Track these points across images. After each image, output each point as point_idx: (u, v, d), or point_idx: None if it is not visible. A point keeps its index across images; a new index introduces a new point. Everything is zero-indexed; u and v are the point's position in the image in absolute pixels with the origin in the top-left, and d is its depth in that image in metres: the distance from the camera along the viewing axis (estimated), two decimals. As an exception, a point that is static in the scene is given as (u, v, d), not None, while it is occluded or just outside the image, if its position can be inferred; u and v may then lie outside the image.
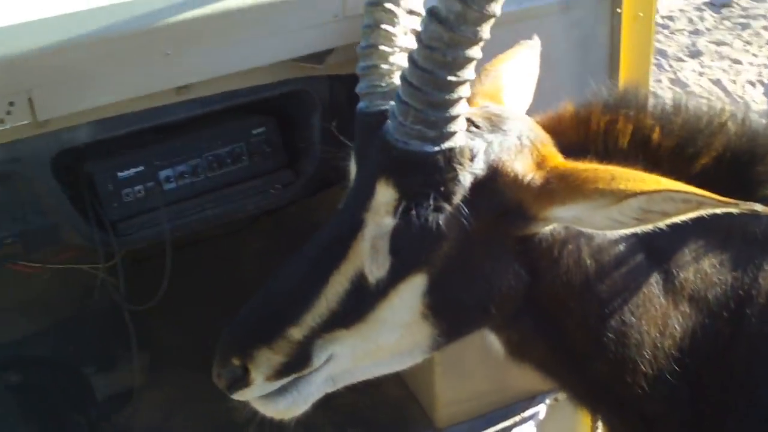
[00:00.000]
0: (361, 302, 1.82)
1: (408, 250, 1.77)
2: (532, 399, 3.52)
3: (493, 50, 2.66)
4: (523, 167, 1.78)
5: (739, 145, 1.93)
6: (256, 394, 1.91)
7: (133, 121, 2.99)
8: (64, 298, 3.79)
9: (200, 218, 3.15)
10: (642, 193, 1.62)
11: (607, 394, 2.06)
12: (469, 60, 1.64)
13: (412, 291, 1.81)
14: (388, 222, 1.78)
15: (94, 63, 2.67)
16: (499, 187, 1.77)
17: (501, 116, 1.84)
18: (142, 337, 3.90)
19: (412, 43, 1.77)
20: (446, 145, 1.70)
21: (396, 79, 1.84)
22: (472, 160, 1.74)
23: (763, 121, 1.99)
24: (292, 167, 3.29)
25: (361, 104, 1.88)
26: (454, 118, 1.69)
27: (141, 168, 3.08)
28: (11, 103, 2.63)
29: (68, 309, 3.82)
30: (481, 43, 1.65)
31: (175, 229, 3.11)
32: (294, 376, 1.89)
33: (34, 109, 2.66)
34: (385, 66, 1.86)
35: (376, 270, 1.80)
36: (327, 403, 3.65)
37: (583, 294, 1.90)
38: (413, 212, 1.73)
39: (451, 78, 1.63)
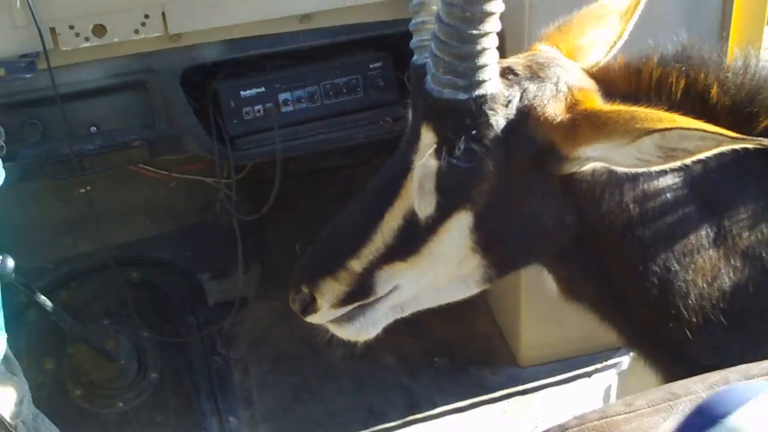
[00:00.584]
0: (414, 237, 1.94)
1: (450, 189, 1.88)
2: (616, 350, 3.61)
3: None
4: (555, 110, 1.85)
5: None
6: (325, 319, 2.08)
7: (259, 45, 3.22)
8: (188, 207, 4.05)
9: (312, 141, 3.35)
10: (655, 130, 1.67)
11: (655, 339, 2.11)
12: (489, 14, 1.71)
13: (459, 227, 1.91)
14: (432, 163, 1.87)
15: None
16: (531, 129, 1.85)
17: (543, 64, 1.91)
18: (257, 251, 4.18)
19: None
20: (477, 92, 1.79)
21: None
22: (506, 105, 1.83)
23: None
24: (403, 103, 3.45)
25: (414, 58, 1.98)
26: (481, 67, 1.77)
27: (262, 89, 3.29)
28: (146, 16, 2.90)
29: (191, 217, 4.08)
30: None
31: (287, 149, 3.32)
32: (357, 304, 2.04)
33: (166, 22, 2.92)
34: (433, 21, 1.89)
35: (425, 207, 1.90)
36: (419, 332, 3.86)
37: (626, 237, 1.95)
38: (453, 154, 1.83)
39: (472, 31, 1.71)
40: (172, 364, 3.80)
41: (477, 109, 1.80)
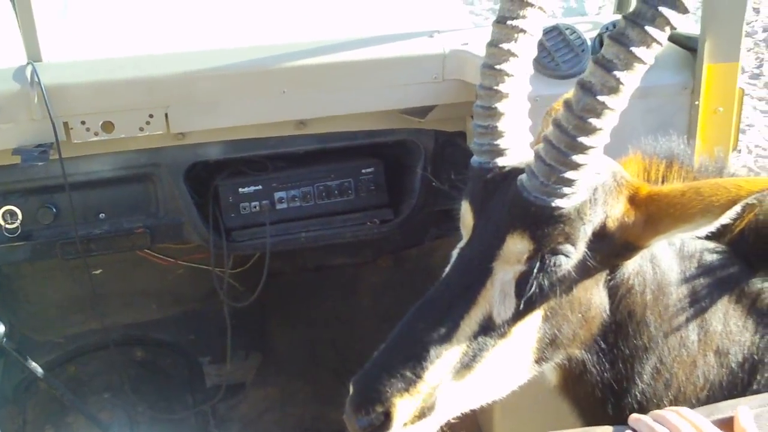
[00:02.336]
0: (486, 343, 1.90)
1: (537, 294, 1.89)
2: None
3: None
4: (626, 208, 1.93)
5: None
6: None
7: (258, 146, 3.51)
8: (193, 293, 4.31)
9: (303, 238, 3.61)
10: (750, 194, 1.78)
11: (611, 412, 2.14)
12: (608, 127, 1.77)
13: (530, 326, 1.93)
14: (518, 269, 1.89)
15: (221, 92, 3.22)
16: (610, 229, 1.91)
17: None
18: (257, 339, 4.41)
19: (524, 101, 1.97)
20: (577, 200, 1.84)
21: (509, 138, 1.96)
22: (591, 208, 1.88)
23: None
24: (392, 206, 3.70)
25: (477, 159, 1.98)
26: (585, 177, 1.83)
27: (260, 187, 3.58)
28: (151, 115, 3.19)
29: (195, 303, 4.34)
30: (620, 112, 1.78)
31: (279, 243, 3.57)
32: (426, 419, 1.89)
33: (168, 122, 3.21)
34: (502, 126, 1.95)
35: (504, 313, 1.89)
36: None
37: (639, 325, 2.03)
38: (546, 260, 1.86)
39: (590, 143, 1.77)
40: (165, 439, 4.02)
41: (575, 217, 1.85)
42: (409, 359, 1.86)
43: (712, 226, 1.84)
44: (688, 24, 3.38)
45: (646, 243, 1.92)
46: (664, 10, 1.68)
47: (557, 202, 1.82)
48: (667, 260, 2.05)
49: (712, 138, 3.17)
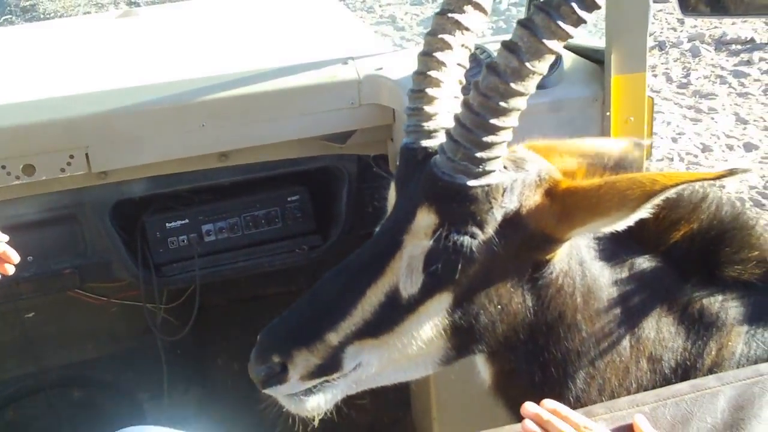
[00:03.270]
0: (392, 315, 1.96)
1: (441, 270, 1.94)
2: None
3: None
4: (543, 200, 1.99)
5: (712, 226, 2.13)
6: (288, 391, 2.01)
7: (182, 181, 3.54)
8: (129, 330, 4.30)
9: (232, 268, 3.65)
10: (664, 188, 1.81)
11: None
12: (516, 110, 1.84)
13: (439, 308, 1.98)
14: (425, 244, 1.94)
15: (140, 128, 3.25)
16: (524, 218, 1.96)
17: (523, 158, 2.04)
18: (197, 373, 4.41)
19: (456, 91, 2.05)
20: (486, 181, 1.90)
21: (438, 121, 2.04)
22: (503, 194, 1.94)
23: (737, 207, 2.18)
24: (319, 232, 3.74)
25: (406, 140, 2.06)
26: (495, 158, 1.89)
27: (186, 221, 3.61)
28: (71, 156, 3.21)
29: (132, 340, 4.33)
30: (527, 96, 1.85)
31: (208, 275, 3.60)
32: (324, 378, 2.00)
33: (89, 162, 3.23)
34: (430, 108, 2.03)
35: (410, 287, 1.95)
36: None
37: (570, 328, 2.07)
38: (451, 237, 1.91)
39: (498, 123, 1.83)
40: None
41: (483, 197, 1.91)
42: (312, 318, 1.97)
43: (629, 220, 1.88)
44: (593, 38, 3.47)
45: (565, 236, 1.98)
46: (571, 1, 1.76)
47: (463, 180, 1.89)
48: (597, 265, 2.10)
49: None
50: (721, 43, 10.33)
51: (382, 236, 2.02)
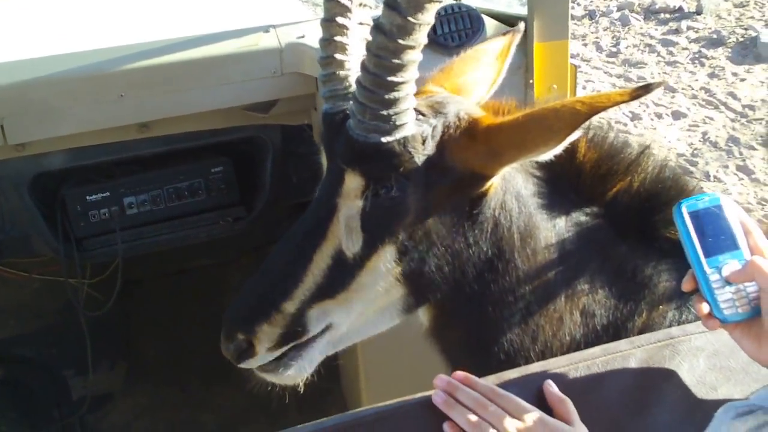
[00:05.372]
0: (343, 274, 2.03)
1: (376, 226, 2.00)
2: None
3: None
4: (465, 141, 2.01)
5: (652, 187, 2.15)
6: (261, 362, 2.09)
7: (102, 153, 3.46)
8: (52, 306, 4.24)
9: (155, 242, 3.59)
10: (588, 115, 1.82)
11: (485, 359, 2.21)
12: (411, 62, 1.85)
13: (385, 260, 2.02)
14: (358, 204, 2.00)
15: (56, 99, 3.15)
16: (448, 161, 1.99)
17: (441, 102, 2.08)
18: (124, 348, 4.36)
19: (363, 50, 1.99)
20: (399, 134, 1.92)
21: (352, 83, 2.06)
22: (423, 143, 1.96)
23: (678, 172, 2.21)
24: (244, 204, 3.70)
25: (325, 106, 2.09)
26: (403, 111, 1.91)
27: (107, 194, 3.54)
28: None
29: (55, 316, 4.26)
30: (420, 47, 1.85)
31: (131, 249, 3.54)
32: (292, 344, 2.08)
33: (5, 134, 3.14)
34: (342, 72, 2.05)
35: (352, 246, 2.01)
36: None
37: (508, 264, 2.10)
38: (379, 193, 1.97)
39: (396, 79, 1.85)
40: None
41: (400, 150, 1.94)
42: (268, 291, 2.05)
43: (556, 150, 1.90)
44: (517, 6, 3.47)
45: (494, 172, 2.00)
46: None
47: (377, 138, 1.92)
48: (533, 204, 2.11)
49: (550, 58, 3.21)
50: (650, 12, 10.42)
51: (319, 201, 2.07)
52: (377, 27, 1.84)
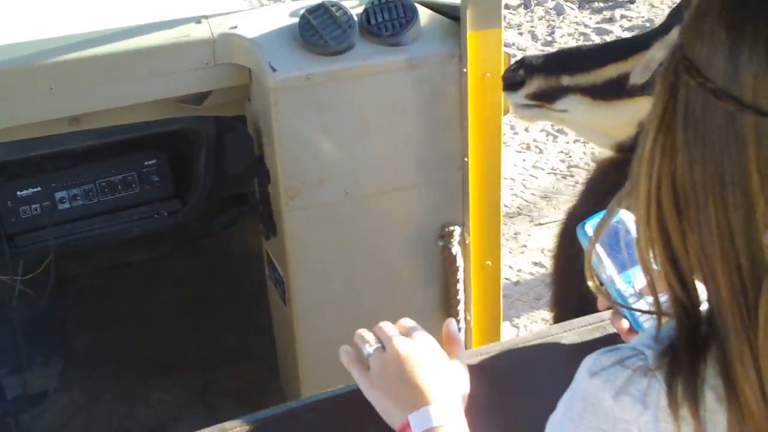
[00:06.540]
0: (615, 90, 2.48)
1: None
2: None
3: (351, 100, 3.03)
4: None
5: None
6: (514, 100, 2.77)
7: (33, 147, 3.40)
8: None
9: (90, 236, 3.54)
10: None
11: None
12: None
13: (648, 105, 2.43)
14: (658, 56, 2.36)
15: (-17, 93, 3.09)
16: None
17: None
18: (59, 344, 4.30)
19: None
20: None
21: None
22: None
23: None
24: (178, 197, 3.67)
25: None
26: None
27: (38, 189, 3.48)
28: None
29: (-14, 314, 4.19)
30: None
31: (64, 244, 3.49)
32: (539, 103, 2.70)
33: None
34: None
35: (639, 78, 2.40)
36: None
37: None
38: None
39: None
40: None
41: None
42: (564, 63, 2.66)
43: None
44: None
45: None
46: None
47: None
48: None
49: (484, 103, 3.26)
50: (584, 1, 10.51)
51: (638, 37, 2.70)
52: None
